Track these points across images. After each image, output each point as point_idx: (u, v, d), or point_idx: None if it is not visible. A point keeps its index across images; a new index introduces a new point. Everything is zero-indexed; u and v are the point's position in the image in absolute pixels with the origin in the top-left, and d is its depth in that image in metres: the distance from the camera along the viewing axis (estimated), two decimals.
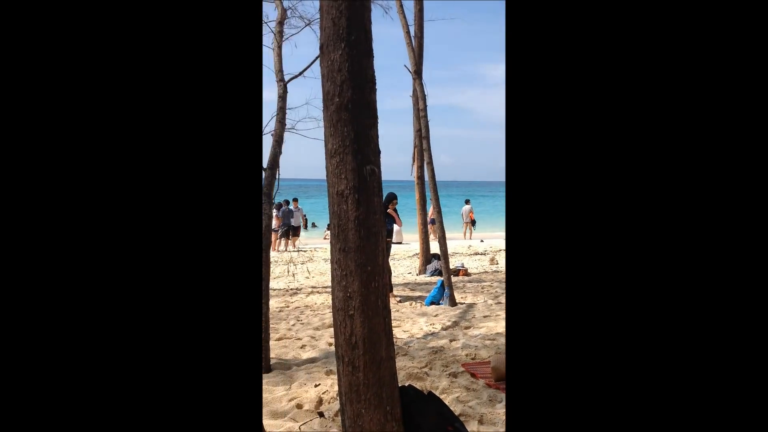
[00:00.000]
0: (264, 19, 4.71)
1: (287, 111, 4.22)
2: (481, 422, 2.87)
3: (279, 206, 14.71)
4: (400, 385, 2.19)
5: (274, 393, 3.44)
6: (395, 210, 7.39)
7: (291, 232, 15.47)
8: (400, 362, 3.85)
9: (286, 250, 14.91)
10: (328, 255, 13.63)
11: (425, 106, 8.15)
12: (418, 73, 9.30)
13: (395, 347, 2.83)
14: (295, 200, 16.06)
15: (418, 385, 3.30)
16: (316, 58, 4.38)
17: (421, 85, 9.28)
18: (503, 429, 2.76)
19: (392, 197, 7.28)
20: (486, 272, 10.11)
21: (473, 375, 3.70)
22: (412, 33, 9.38)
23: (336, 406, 3.18)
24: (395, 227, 7.53)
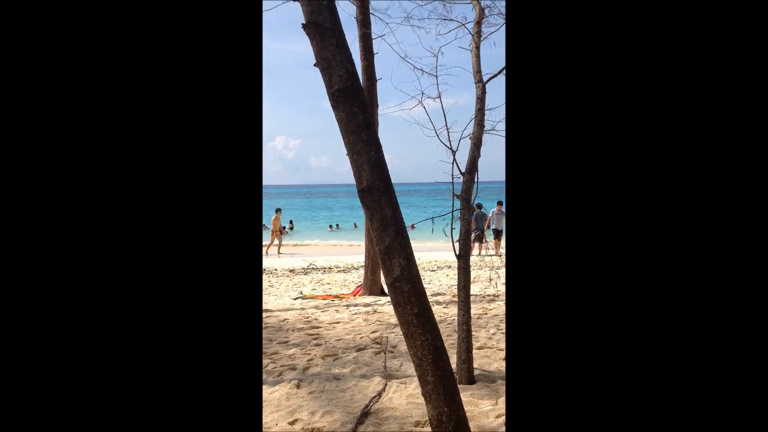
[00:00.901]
0: (462, 20, 4.64)
1: (486, 112, 4.07)
2: None
3: (473, 210, 14.63)
4: None
5: (479, 407, 3.31)
6: None
7: (493, 235, 15.28)
8: None
9: (479, 254, 14.76)
10: None
11: None
12: None
13: None
14: (500, 203, 15.77)
15: None
16: None
17: None
18: None
19: None
20: None
21: None
22: None
23: None
24: None
